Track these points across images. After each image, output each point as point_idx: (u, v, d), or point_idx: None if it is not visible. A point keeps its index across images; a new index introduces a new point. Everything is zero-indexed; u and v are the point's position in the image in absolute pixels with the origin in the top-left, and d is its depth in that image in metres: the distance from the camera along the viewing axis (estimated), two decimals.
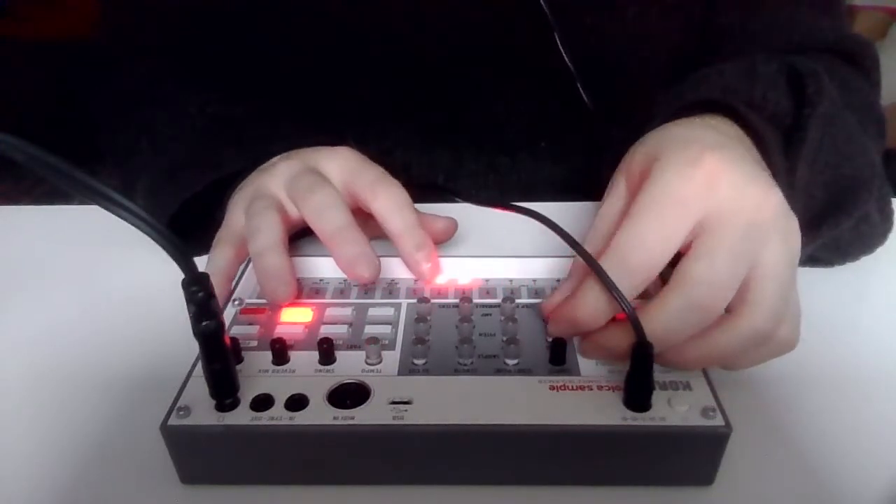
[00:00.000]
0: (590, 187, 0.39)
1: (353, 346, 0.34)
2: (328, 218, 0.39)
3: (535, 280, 0.40)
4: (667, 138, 0.35)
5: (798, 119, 0.40)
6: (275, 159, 0.45)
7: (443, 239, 0.45)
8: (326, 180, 0.42)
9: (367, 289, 0.39)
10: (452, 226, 0.45)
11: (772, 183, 0.32)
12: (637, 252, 0.31)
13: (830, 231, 0.40)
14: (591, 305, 0.32)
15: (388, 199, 0.40)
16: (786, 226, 0.32)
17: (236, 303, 0.38)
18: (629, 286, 0.31)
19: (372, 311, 0.37)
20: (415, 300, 0.38)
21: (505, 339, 0.34)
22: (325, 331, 0.35)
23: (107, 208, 0.24)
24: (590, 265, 0.32)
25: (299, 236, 0.44)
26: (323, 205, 0.40)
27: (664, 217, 0.31)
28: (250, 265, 0.40)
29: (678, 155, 0.33)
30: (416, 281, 0.40)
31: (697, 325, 0.30)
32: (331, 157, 0.43)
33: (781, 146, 0.39)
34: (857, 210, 0.40)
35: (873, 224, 0.43)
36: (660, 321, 0.30)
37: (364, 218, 0.41)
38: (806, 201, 0.39)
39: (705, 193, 0.31)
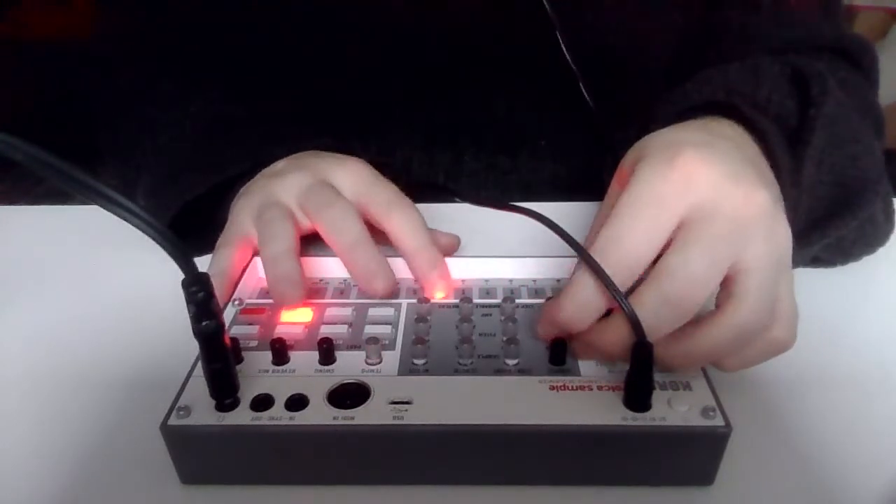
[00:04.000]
0: (590, 187, 0.39)
1: (353, 346, 0.34)
2: (344, 232, 0.39)
3: (535, 280, 0.40)
4: (654, 141, 0.35)
5: (803, 120, 0.40)
6: (280, 164, 0.45)
7: (445, 254, 0.45)
8: (340, 194, 0.42)
9: None
10: (455, 242, 0.46)
11: (758, 182, 0.32)
12: (613, 251, 0.31)
13: (837, 231, 0.40)
14: (574, 306, 0.32)
15: (402, 219, 0.41)
16: (771, 224, 0.31)
17: (236, 303, 0.38)
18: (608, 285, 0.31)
19: (372, 311, 0.37)
20: (415, 300, 0.38)
21: (505, 339, 0.34)
22: (325, 331, 0.35)
23: (107, 208, 0.24)
24: (589, 265, 0.32)
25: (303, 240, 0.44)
26: (338, 218, 0.40)
27: (640, 217, 0.31)
28: (250, 266, 0.40)
29: (658, 155, 0.33)
30: (416, 281, 0.40)
31: (674, 320, 0.30)
32: (343, 170, 0.43)
33: (787, 147, 0.39)
34: (863, 210, 0.40)
35: (877, 225, 0.43)
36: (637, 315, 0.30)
37: (370, 228, 0.42)
38: (812, 202, 0.39)
39: (683, 192, 0.31)
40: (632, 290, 0.32)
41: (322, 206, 0.41)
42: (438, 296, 0.39)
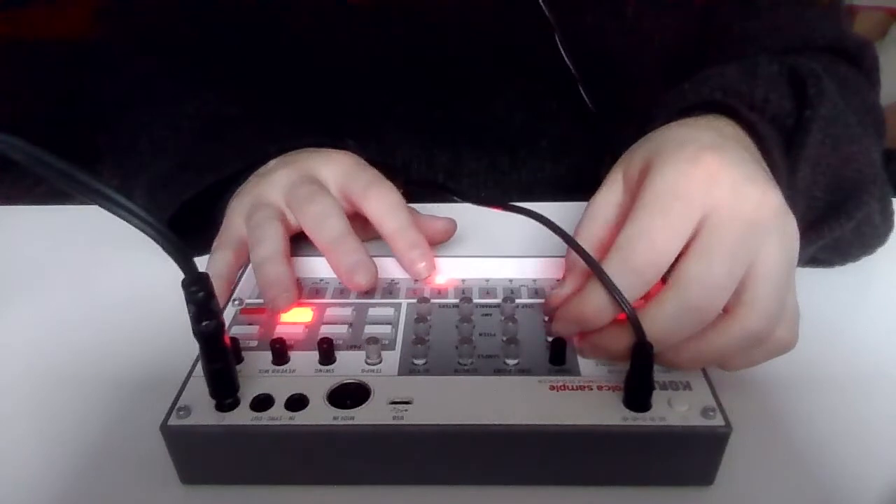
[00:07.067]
0: (590, 187, 0.39)
1: (353, 346, 0.34)
2: (326, 228, 0.39)
3: (535, 280, 0.40)
4: (666, 138, 0.35)
5: (799, 121, 0.40)
6: (272, 163, 0.45)
7: (442, 239, 0.45)
8: (324, 188, 0.42)
9: None
10: (452, 226, 0.45)
11: (771, 183, 0.32)
12: (644, 249, 0.31)
13: (832, 232, 0.40)
14: (598, 303, 0.31)
15: (380, 200, 0.41)
16: (784, 225, 0.32)
17: (236, 303, 0.38)
18: (637, 284, 0.31)
19: (372, 311, 0.37)
20: (415, 300, 0.38)
21: (505, 339, 0.34)
22: (325, 331, 0.35)
23: (107, 208, 0.24)
24: (590, 265, 0.32)
25: (298, 238, 0.44)
26: (320, 215, 0.40)
27: (669, 213, 0.31)
28: (250, 266, 0.40)
29: (677, 154, 0.33)
30: (415, 281, 0.40)
31: (695, 325, 0.30)
32: (327, 162, 0.43)
33: (783, 148, 0.39)
34: (859, 211, 0.40)
35: (874, 225, 0.43)
36: (658, 322, 0.30)
37: (362, 222, 0.42)
38: (807, 203, 0.39)
39: (706, 191, 0.31)
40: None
41: (304, 202, 0.41)
42: (422, 274, 0.39)
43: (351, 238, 0.39)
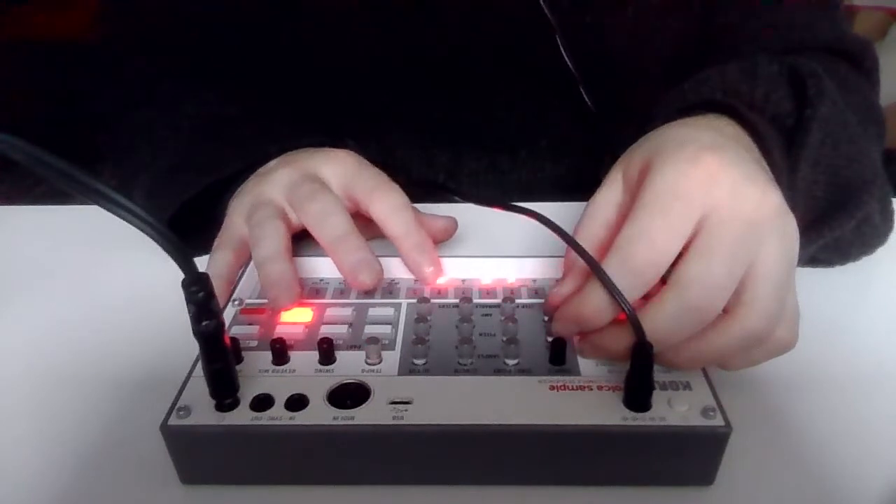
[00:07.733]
0: (590, 187, 0.39)
1: (353, 346, 0.34)
2: (329, 226, 0.39)
3: (535, 280, 0.40)
4: (665, 138, 0.35)
5: (799, 120, 0.40)
6: (272, 163, 0.46)
7: (443, 238, 0.45)
8: (326, 187, 0.42)
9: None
10: (452, 225, 0.45)
11: (770, 182, 0.32)
12: (643, 249, 0.31)
13: (832, 232, 0.40)
14: (597, 303, 0.31)
15: (386, 202, 0.41)
16: (783, 225, 0.32)
17: (236, 303, 0.38)
18: (637, 284, 0.31)
19: (372, 311, 0.37)
20: (415, 300, 0.38)
21: (505, 339, 0.34)
22: (325, 331, 0.35)
23: (107, 208, 0.24)
24: (590, 265, 0.32)
25: (299, 237, 0.44)
26: (323, 212, 0.40)
27: (668, 213, 0.31)
28: (250, 265, 0.40)
29: (677, 154, 0.33)
30: (416, 281, 0.40)
31: (695, 326, 0.30)
32: (329, 161, 0.43)
33: (783, 147, 0.39)
34: (859, 211, 0.40)
35: (874, 225, 0.43)
36: (658, 322, 0.30)
37: (364, 220, 0.42)
38: (807, 202, 0.39)
39: (705, 191, 0.31)
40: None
41: (306, 200, 0.41)
42: (429, 278, 0.39)
43: (354, 236, 0.39)
